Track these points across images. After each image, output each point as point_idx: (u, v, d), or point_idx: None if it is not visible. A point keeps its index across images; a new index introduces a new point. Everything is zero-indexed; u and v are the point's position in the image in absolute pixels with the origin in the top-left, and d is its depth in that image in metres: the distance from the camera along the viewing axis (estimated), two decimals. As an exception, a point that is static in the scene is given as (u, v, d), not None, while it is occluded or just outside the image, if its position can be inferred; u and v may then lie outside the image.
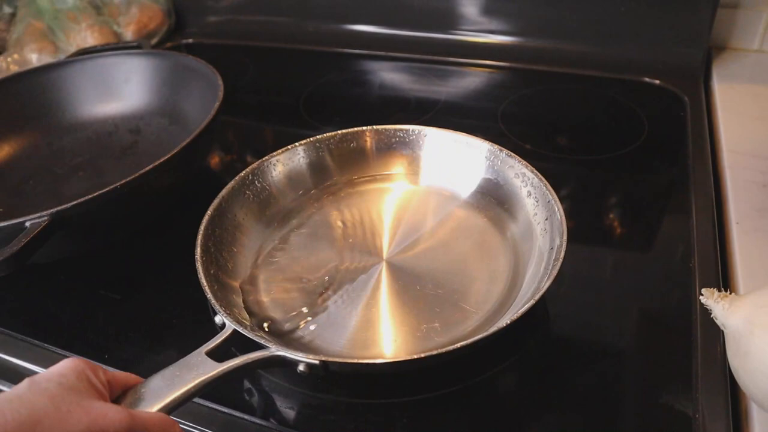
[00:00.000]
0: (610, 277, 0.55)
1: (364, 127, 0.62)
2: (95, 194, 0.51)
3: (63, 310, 0.56)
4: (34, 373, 0.50)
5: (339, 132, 0.62)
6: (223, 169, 0.76)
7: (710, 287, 0.43)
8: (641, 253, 0.57)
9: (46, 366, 0.50)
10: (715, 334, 0.46)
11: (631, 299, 0.52)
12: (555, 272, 0.44)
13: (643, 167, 0.68)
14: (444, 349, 0.40)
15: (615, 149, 0.70)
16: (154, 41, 1.04)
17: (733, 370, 0.41)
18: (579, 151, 0.71)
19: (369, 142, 0.62)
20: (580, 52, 0.86)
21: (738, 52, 0.86)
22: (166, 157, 0.56)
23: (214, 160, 0.76)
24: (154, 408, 0.36)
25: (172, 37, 1.08)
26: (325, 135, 0.62)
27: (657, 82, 0.81)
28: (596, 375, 0.46)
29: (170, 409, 0.37)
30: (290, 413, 0.45)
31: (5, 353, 0.52)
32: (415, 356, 0.41)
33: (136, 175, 0.54)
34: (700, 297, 0.42)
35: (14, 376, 0.52)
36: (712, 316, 0.42)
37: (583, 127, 0.76)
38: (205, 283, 0.46)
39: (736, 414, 0.42)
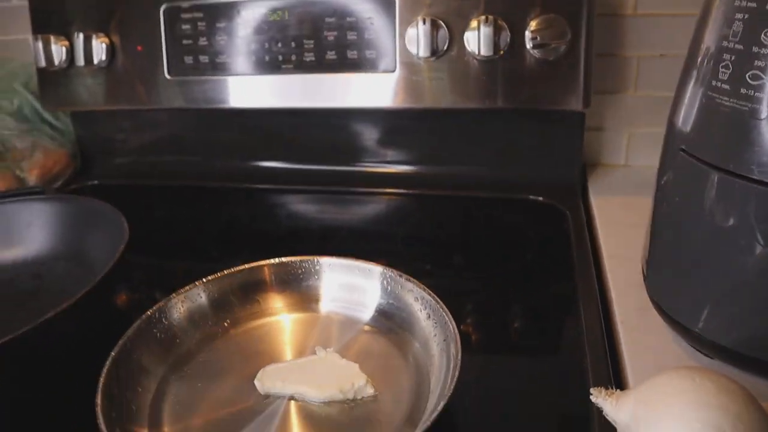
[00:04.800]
0: (514, 384, 0.57)
1: (265, 261, 0.64)
2: (-8, 346, 0.50)
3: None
4: None
5: (241, 267, 0.63)
6: (131, 309, 0.74)
7: (602, 385, 0.46)
8: (540, 359, 0.60)
9: None
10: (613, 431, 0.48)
11: (534, 405, 0.54)
12: (449, 393, 0.45)
13: (535, 278, 0.73)
14: None
15: (508, 264, 0.75)
16: (58, 184, 1.03)
17: (627, 464, 0.43)
18: (476, 268, 0.76)
19: (270, 275, 0.64)
20: (471, 177, 0.93)
21: (608, 167, 0.96)
22: (69, 303, 0.55)
23: (122, 299, 0.75)
24: None
25: (77, 179, 1.07)
26: (228, 271, 0.63)
27: (540, 198, 0.88)
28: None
29: None
30: None
31: None
32: None
33: (38, 322, 0.52)
34: (590, 396, 0.45)
35: None
36: (604, 413, 0.45)
37: (478, 246, 0.81)
38: (104, 430, 0.45)
39: (638, 508, 0.44)
